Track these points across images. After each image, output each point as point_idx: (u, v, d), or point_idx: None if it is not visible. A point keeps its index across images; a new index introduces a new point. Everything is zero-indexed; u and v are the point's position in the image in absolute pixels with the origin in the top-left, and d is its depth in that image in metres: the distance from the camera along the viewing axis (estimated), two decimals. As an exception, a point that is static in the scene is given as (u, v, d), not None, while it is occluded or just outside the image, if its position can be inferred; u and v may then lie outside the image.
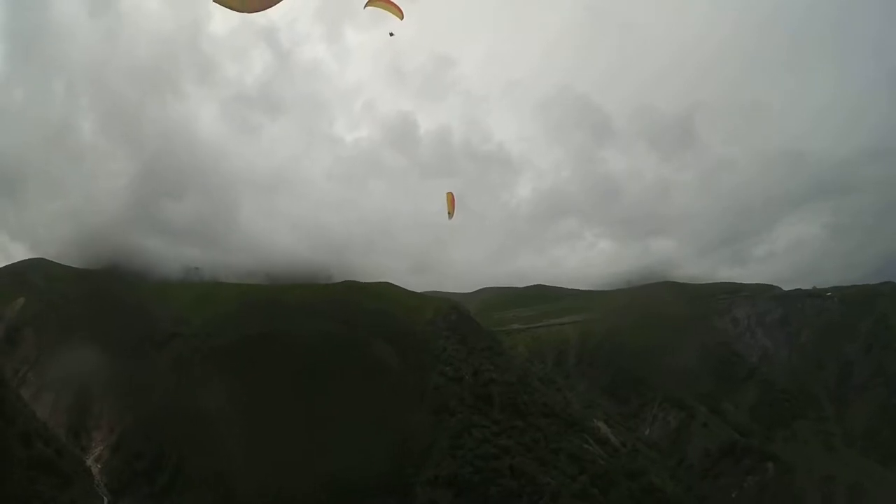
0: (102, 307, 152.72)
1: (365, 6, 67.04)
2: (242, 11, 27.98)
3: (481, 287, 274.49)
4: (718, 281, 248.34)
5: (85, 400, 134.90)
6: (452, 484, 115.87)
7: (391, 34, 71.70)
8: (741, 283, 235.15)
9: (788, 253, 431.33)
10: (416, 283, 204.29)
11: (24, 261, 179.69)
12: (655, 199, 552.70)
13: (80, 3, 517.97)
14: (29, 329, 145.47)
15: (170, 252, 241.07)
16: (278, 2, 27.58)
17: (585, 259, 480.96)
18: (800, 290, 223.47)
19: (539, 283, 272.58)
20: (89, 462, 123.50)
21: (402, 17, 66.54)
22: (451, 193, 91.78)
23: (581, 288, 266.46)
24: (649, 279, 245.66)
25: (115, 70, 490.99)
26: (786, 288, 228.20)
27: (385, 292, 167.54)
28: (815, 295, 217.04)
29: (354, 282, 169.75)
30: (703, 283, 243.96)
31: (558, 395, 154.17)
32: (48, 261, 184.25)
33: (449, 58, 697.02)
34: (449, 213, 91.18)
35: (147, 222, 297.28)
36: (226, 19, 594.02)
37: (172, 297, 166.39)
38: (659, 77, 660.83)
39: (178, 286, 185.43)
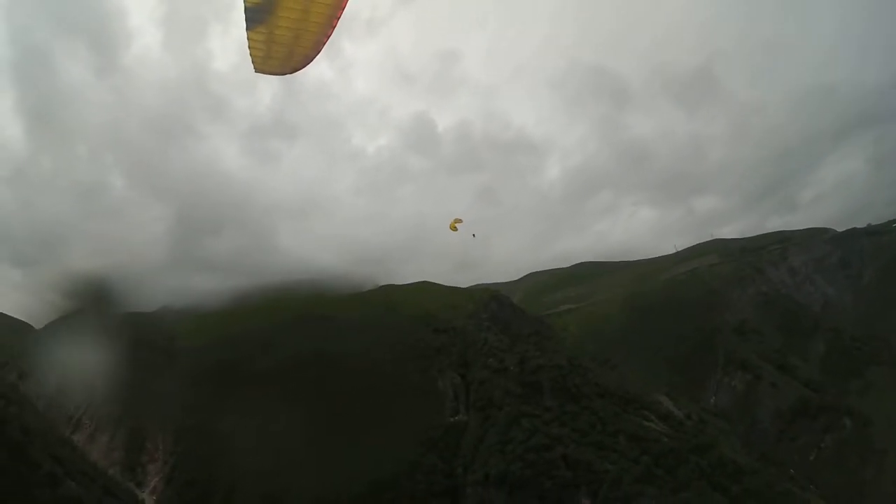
0: (150, 347, 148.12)
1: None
2: (284, 74, 27.87)
3: (527, 273, 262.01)
4: (769, 231, 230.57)
5: (139, 436, 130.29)
6: (504, 482, 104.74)
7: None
8: (793, 231, 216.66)
9: (837, 192, 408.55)
10: (461, 280, 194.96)
11: (69, 314, 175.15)
12: (689, 156, 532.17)
13: (84, 67, 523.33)
14: (78, 378, 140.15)
15: (217, 286, 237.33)
16: (316, 55, 26.94)
17: (629, 230, 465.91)
18: (855, 228, 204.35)
19: (584, 260, 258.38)
20: (144, 495, 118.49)
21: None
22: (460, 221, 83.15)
23: (629, 259, 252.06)
24: (698, 239, 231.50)
25: (132, 124, 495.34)
26: (840, 229, 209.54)
27: (423, 291, 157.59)
28: (871, 232, 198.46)
29: (392, 285, 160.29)
30: (754, 235, 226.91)
31: (614, 372, 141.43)
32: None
33: (453, 52, 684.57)
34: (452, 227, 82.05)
35: (191, 262, 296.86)
36: (226, 56, 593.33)
37: (216, 326, 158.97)
38: (669, 31, 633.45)
39: (221, 315, 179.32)
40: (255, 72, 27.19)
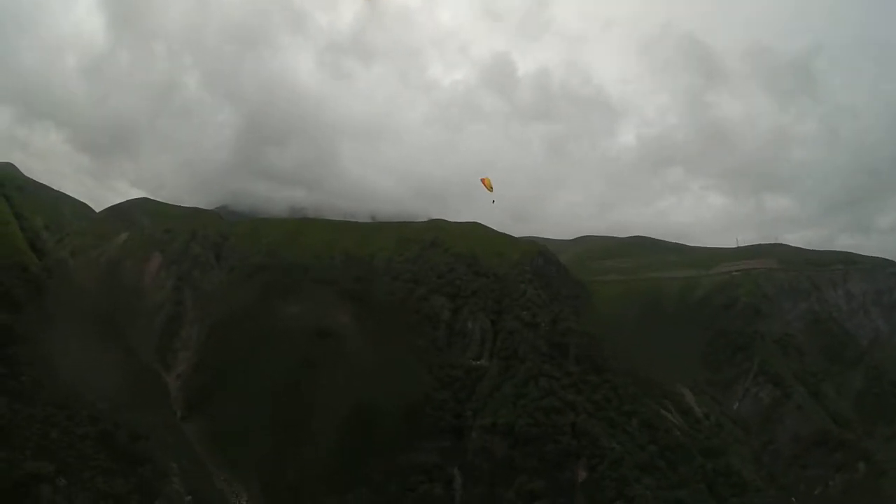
0: (202, 243, 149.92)
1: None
2: None
3: (581, 235, 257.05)
4: (836, 249, 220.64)
5: (175, 324, 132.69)
6: (509, 433, 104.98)
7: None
8: (860, 255, 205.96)
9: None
10: (515, 230, 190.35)
11: (130, 200, 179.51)
12: (771, 150, 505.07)
13: None
14: (129, 261, 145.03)
15: (275, 194, 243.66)
16: None
17: (693, 213, 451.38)
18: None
19: (641, 234, 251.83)
20: (169, 380, 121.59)
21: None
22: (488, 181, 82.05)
23: (686, 243, 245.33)
24: (762, 239, 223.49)
25: (211, 29, 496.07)
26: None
27: (472, 233, 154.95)
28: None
29: (443, 220, 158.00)
30: (819, 249, 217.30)
31: (644, 353, 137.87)
32: (154, 200, 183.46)
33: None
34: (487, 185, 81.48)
35: (253, 168, 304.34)
36: None
37: (268, 232, 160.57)
38: (773, 12, 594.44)
39: (275, 222, 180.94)
40: None
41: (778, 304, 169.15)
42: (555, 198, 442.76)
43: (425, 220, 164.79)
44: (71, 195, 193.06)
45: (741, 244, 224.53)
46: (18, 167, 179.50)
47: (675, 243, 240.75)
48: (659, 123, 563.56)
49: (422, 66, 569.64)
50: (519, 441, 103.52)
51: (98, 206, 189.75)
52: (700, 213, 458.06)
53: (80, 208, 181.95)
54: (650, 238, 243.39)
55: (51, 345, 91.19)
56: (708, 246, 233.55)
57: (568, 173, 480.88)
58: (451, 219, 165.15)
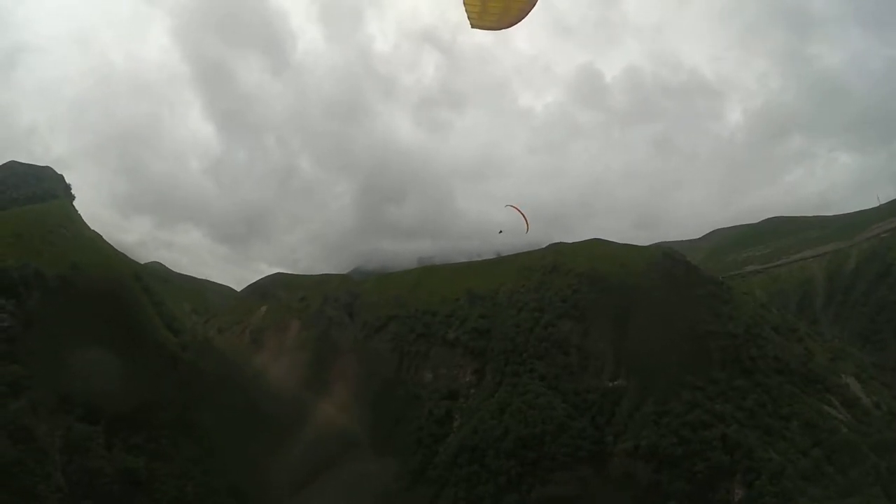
0: (334, 304, 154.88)
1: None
2: (499, 29, 28.63)
3: (711, 230, 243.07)
4: None
5: (313, 381, 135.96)
6: (653, 455, 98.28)
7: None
8: None
9: None
10: (640, 238, 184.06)
11: (266, 276, 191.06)
12: (889, 90, 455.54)
13: (260, 69, 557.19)
14: (270, 331, 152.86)
15: (402, 248, 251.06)
16: (531, 9, 27.52)
17: (825, 179, 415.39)
18: None
19: (774, 215, 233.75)
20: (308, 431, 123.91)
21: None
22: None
23: (825, 214, 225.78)
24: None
25: (312, 112, 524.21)
26: None
27: (593, 249, 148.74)
28: None
29: (562, 243, 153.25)
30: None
31: (798, 346, 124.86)
32: (287, 273, 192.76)
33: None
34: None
35: (377, 228, 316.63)
36: (385, 37, 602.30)
37: (395, 285, 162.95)
38: None
39: (400, 275, 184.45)
40: (472, 27, 27.90)
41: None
42: (674, 196, 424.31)
43: (547, 244, 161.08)
44: (215, 281, 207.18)
45: (883, 201, 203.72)
46: (165, 264, 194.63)
47: (814, 216, 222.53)
48: (763, 92, 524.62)
49: (512, 98, 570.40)
50: (665, 462, 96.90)
51: (240, 287, 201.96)
52: (832, 178, 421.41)
53: (224, 290, 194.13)
54: (785, 217, 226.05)
55: (190, 409, 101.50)
56: (848, 212, 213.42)
57: (682, 168, 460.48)
58: (570, 238, 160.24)
